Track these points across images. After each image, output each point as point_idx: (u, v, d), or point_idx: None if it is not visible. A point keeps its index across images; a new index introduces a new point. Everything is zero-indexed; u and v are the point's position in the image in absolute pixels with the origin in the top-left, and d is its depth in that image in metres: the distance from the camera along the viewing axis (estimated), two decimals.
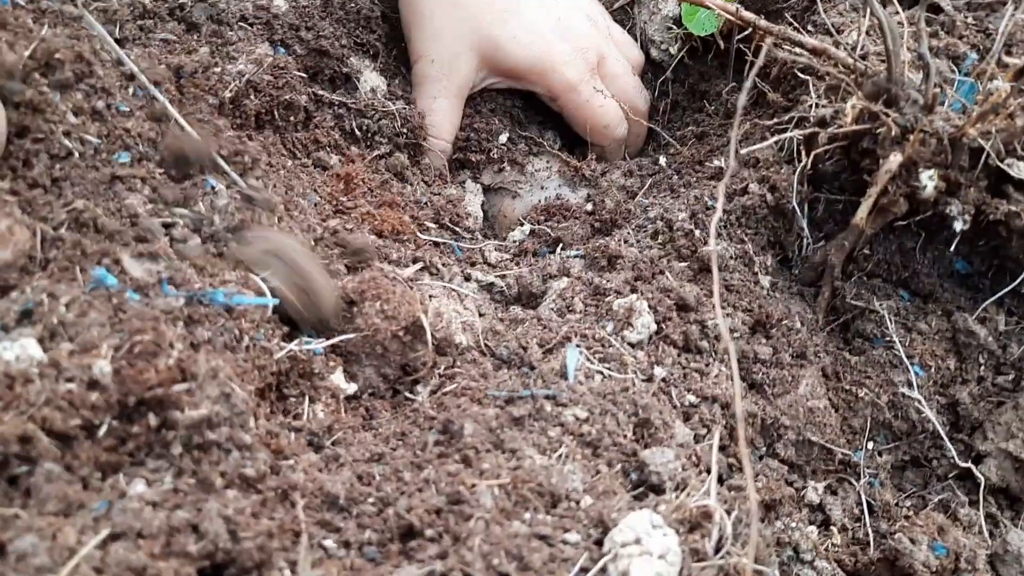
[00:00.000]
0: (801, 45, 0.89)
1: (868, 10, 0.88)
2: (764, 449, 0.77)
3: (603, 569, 0.54)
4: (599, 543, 0.56)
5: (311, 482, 0.62)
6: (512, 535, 0.55)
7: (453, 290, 0.89)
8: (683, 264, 0.85)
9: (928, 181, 0.79)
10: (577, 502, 0.60)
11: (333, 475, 0.62)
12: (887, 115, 0.79)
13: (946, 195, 0.80)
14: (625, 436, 0.67)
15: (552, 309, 0.85)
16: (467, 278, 0.94)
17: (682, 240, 0.87)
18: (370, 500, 0.61)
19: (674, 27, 1.19)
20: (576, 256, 0.93)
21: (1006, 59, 0.81)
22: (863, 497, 0.78)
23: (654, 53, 1.22)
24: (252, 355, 0.66)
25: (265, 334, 0.68)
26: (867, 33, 0.91)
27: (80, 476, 0.54)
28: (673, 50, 1.20)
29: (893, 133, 0.79)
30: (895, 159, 0.79)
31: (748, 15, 0.95)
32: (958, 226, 0.80)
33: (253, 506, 0.56)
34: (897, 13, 0.90)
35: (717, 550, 0.57)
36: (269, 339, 0.68)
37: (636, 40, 1.22)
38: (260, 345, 0.67)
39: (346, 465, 0.66)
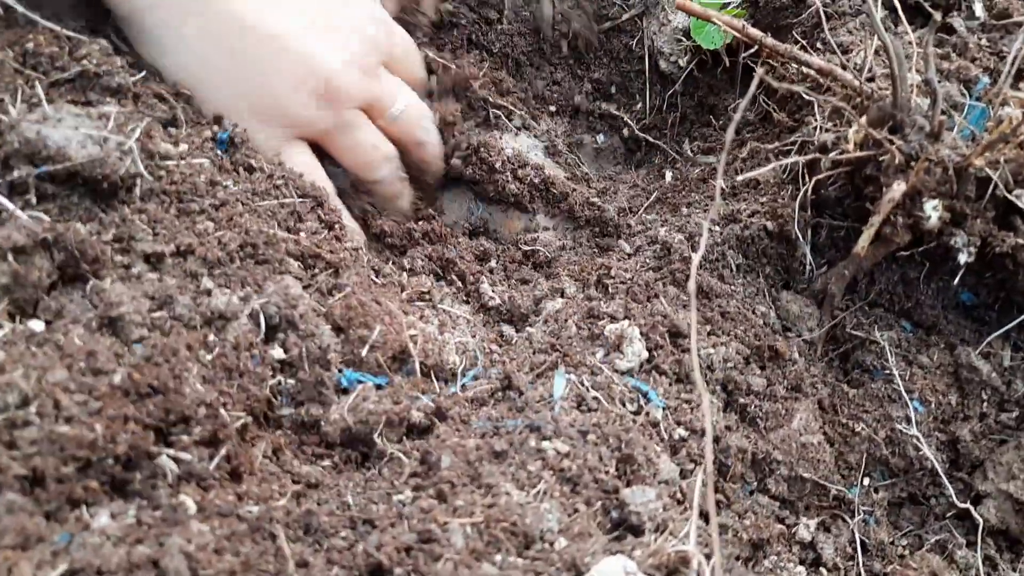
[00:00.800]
0: (808, 65, 0.87)
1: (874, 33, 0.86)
2: (755, 484, 0.75)
3: None
4: None
5: (287, 512, 0.61)
6: None
7: (446, 311, 0.88)
8: (677, 290, 0.83)
9: (932, 211, 0.76)
10: (552, 543, 0.58)
11: (307, 507, 0.61)
12: (891, 142, 0.77)
13: (951, 226, 0.77)
14: (607, 472, 0.65)
15: (544, 331, 0.84)
16: (465, 299, 0.93)
17: (678, 264, 0.85)
18: (342, 534, 0.59)
19: (683, 39, 1.17)
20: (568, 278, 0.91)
21: (1013, 93, 0.79)
22: (857, 535, 0.76)
23: (663, 65, 1.19)
24: (246, 381, 0.65)
25: (257, 357, 0.68)
26: (876, 53, 0.89)
27: (44, 509, 0.53)
28: (682, 62, 1.18)
29: (897, 161, 0.76)
30: (899, 188, 0.76)
31: (755, 32, 0.93)
32: (963, 258, 0.77)
33: (218, 541, 0.55)
34: (907, 33, 0.88)
35: None
36: (262, 362, 0.68)
37: (644, 52, 1.20)
38: (253, 371, 0.66)
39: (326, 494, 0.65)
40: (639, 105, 1.20)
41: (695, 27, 1.12)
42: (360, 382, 0.75)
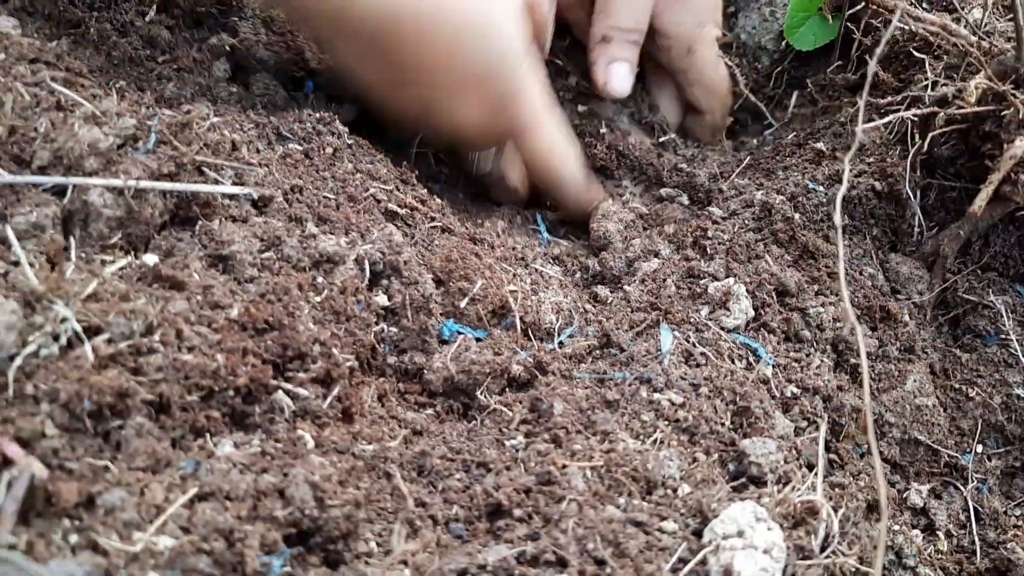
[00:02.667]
0: (921, 21, 0.84)
1: None
2: (866, 447, 0.73)
3: (703, 561, 0.51)
4: (698, 534, 0.53)
5: (400, 454, 0.60)
6: (607, 520, 0.53)
7: (538, 271, 0.86)
8: (781, 250, 0.81)
9: None
10: (674, 490, 0.57)
11: (421, 448, 0.60)
12: (1015, 96, 0.74)
13: None
14: (723, 424, 0.63)
15: (642, 290, 0.82)
16: (554, 259, 0.92)
17: (780, 224, 0.83)
18: (456, 476, 0.59)
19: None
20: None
21: None
22: (970, 503, 0.73)
23: (765, 61, 1.17)
24: (352, 326, 0.65)
25: (363, 302, 0.67)
26: (991, 10, 0.85)
27: (171, 434, 0.53)
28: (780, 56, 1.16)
29: (1021, 115, 0.74)
30: (1021, 144, 0.73)
31: None
32: None
33: (340, 474, 0.54)
34: None
35: (823, 548, 0.54)
36: (367, 308, 0.67)
37: (741, 49, 1.18)
38: (359, 315, 0.66)
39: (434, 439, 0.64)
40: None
41: (788, 29, 1.09)
42: (460, 334, 0.74)
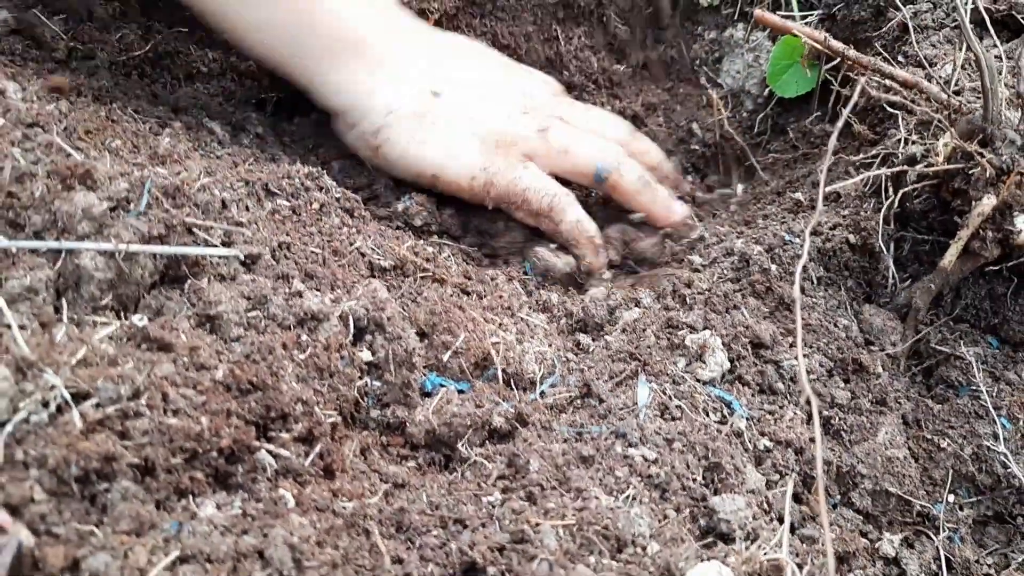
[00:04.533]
0: (892, 78, 0.86)
1: (964, 43, 0.85)
2: (839, 498, 0.75)
3: None
4: None
5: (379, 510, 0.62)
6: None
7: (524, 319, 0.88)
8: (757, 301, 0.83)
9: (1023, 225, 0.75)
10: (644, 548, 0.58)
11: (400, 504, 0.62)
12: (982, 155, 0.76)
13: None
14: (694, 480, 0.65)
15: (622, 340, 0.84)
16: (543, 308, 0.94)
17: (757, 275, 0.85)
18: (433, 532, 0.60)
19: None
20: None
21: None
22: (942, 552, 0.74)
23: (749, 105, 1.20)
24: (336, 381, 0.67)
25: (347, 358, 0.69)
26: (962, 67, 0.88)
27: (155, 496, 0.55)
28: (762, 100, 1.18)
29: (988, 174, 0.76)
30: (989, 201, 0.75)
31: (837, 44, 0.93)
32: None
33: (319, 534, 0.56)
34: (995, 46, 0.87)
35: None
36: (351, 364, 0.69)
37: (724, 89, 1.21)
38: (343, 371, 0.68)
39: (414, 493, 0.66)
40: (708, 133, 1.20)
41: (771, 76, 1.11)
42: (443, 386, 0.76)
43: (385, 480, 0.68)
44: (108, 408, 0.55)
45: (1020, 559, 0.76)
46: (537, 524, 0.59)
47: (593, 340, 0.88)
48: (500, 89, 1.04)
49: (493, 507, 0.62)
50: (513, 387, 0.79)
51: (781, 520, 0.66)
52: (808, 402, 0.76)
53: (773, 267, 0.85)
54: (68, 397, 0.54)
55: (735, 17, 1.24)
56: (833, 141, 0.60)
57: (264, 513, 0.56)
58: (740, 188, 1.15)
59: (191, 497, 0.56)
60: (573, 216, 0.99)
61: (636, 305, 0.89)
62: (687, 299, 0.86)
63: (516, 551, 0.57)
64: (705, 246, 0.98)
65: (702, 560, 0.56)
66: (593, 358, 0.83)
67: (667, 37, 1.28)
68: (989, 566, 0.76)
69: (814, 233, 0.86)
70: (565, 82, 1.18)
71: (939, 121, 0.78)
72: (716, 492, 0.65)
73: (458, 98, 0.99)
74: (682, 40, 1.27)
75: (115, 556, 0.50)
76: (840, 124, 0.60)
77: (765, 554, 0.58)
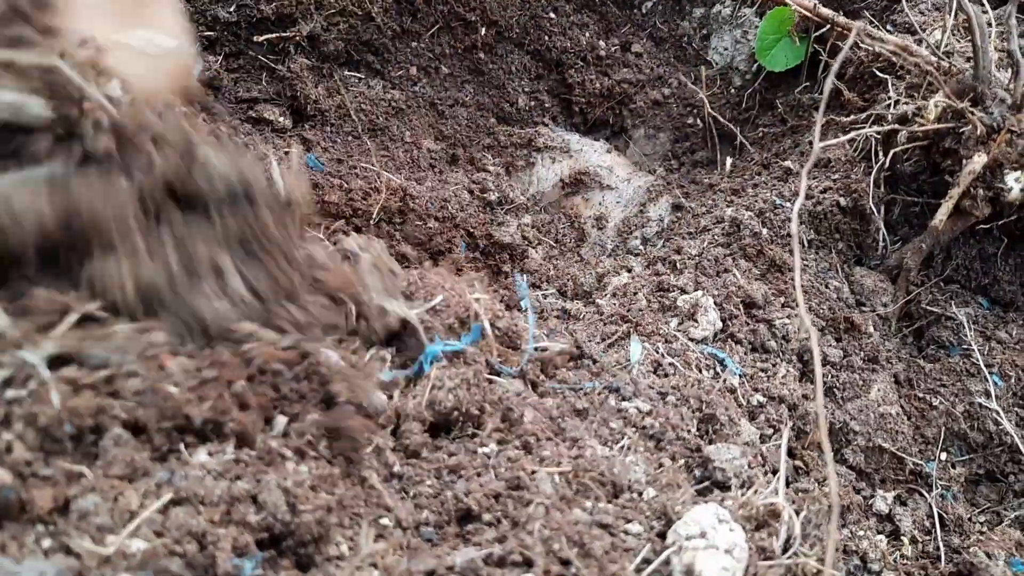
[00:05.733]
0: (882, 42, 0.86)
1: (954, 7, 0.86)
2: (832, 454, 0.75)
3: (666, 561, 0.52)
4: (662, 535, 0.54)
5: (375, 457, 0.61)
6: (573, 522, 0.54)
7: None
8: (749, 263, 0.83)
9: (1015, 183, 0.76)
10: (640, 493, 0.58)
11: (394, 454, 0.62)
12: (972, 113, 0.76)
13: None
14: (689, 431, 0.65)
15: (613, 304, 0.84)
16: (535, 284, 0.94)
17: (748, 239, 0.85)
18: (427, 482, 0.60)
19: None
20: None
21: None
22: (935, 509, 0.75)
23: (737, 81, 1.20)
24: None
25: None
26: (951, 32, 0.88)
27: (149, 443, 0.54)
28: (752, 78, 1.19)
29: (978, 132, 0.76)
30: (979, 159, 0.76)
31: (826, 11, 0.93)
32: None
33: (312, 479, 0.55)
34: (985, 11, 0.87)
35: (785, 550, 0.55)
36: None
37: (713, 67, 1.21)
38: None
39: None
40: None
41: (760, 51, 1.11)
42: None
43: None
44: None
45: (1012, 516, 0.77)
46: (533, 471, 0.58)
47: (584, 306, 0.88)
48: None
49: (489, 457, 0.62)
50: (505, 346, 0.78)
51: (775, 472, 0.66)
52: (800, 358, 0.76)
53: (764, 231, 0.85)
54: None
55: None
56: (826, 95, 0.60)
57: (258, 459, 0.55)
58: (729, 163, 1.15)
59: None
60: None
61: (626, 271, 0.89)
62: (677, 264, 0.86)
63: (512, 497, 0.57)
64: (693, 215, 0.98)
65: (699, 504, 0.56)
66: (585, 321, 0.83)
67: (655, 13, 1.28)
68: (982, 523, 0.76)
69: (805, 196, 0.86)
70: (553, 60, 1.18)
71: (932, 80, 0.78)
72: (711, 442, 0.65)
73: None
74: (669, 17, 1.27)
75: (105, 498, 0.49)
76: (831, 75, 0.60)
77: (762, 500, 0.57)
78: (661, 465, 0.61)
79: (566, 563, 0.51)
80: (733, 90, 1.21)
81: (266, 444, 0.57)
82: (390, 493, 0.59)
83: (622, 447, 0.62)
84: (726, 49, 1.23)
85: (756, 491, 0.59)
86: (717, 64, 1.23)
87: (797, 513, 0.58)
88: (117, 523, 0.48)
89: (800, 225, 0.85)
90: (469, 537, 0.55)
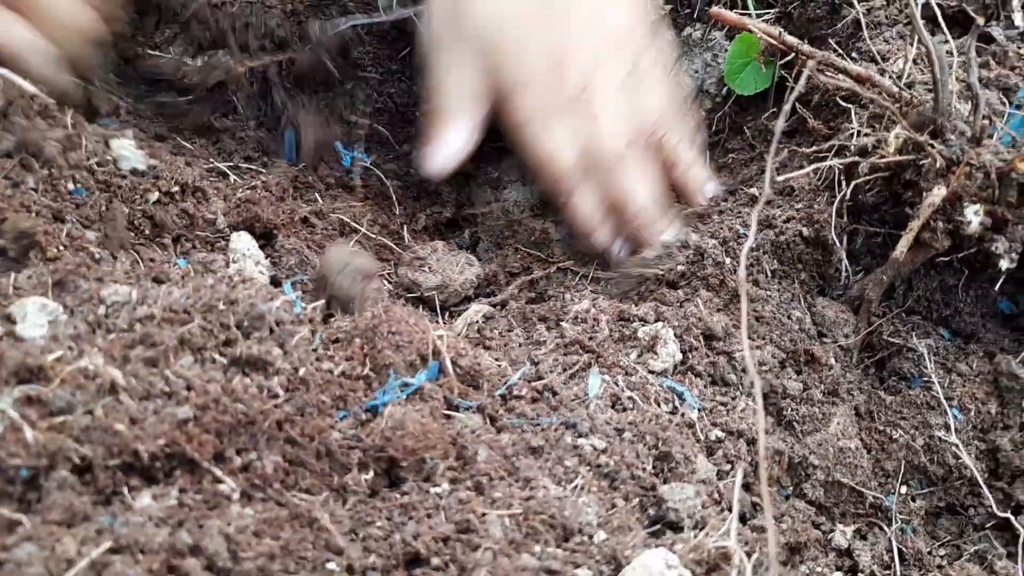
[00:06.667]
0: (845, 72, 0.86)
1: (915, 38, 0.86)
2: (791, 489, 0.74)
3: None
4: None
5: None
6: (520, 568, 0.53)
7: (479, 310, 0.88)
8: (710, 293, 0.83)
9: (973, 216, 0.76)
10: (591, 536, 0.57)
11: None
12: (932, 146, 0.76)
13: (992, 232, 0.77)
14: (644, 469, 0.64)
15: (574, 332, 0.83)
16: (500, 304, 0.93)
17: (711, 268, 0.85)
18: (377, 523, 0.59)
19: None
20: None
21: None
22: (894, 544, 0.74)
23: (708, 104, 1.20)
24: None
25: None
26: (914, 62, 0.89)
27: (93, 487, 0.53)
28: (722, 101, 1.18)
29: (938, 165, 0.76)
30: (939, 192, 0.76)
31: (791, 39, 0.93)
32: (1004, 264, 0.77)
33: (257, 524, 0.54)
34: (946, 42, 0.88)
35: None
36: None
37: (687, 92, 1.21)
38: None
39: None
40: None
41: (729, 74, 1.12)
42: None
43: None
44: None
45: (972, 550, 0.77)
46: (483, 514, 0.58)
47: (547, 330, 0.87)
48: None
49: (440, 497, 0.61)
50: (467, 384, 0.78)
51: (731, 510, 0.65)
52: (773, 381, 0.76)
53: (727, 260, 0.85)
54: None
55: (693, 16, 1.25)
56: (780, 124, 0.60)
57: (203, 503, 0.55)
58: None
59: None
60: None
61: (586, 298, 0.89)
62: (640, 293, 0.86)
63: (461, 541, 0.56)
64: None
65: (649, 548, 0.56)
66: (545, 348, 0.83)
67: None
68: (941, 557, 0.76)
69: (768, 226, 0.86)
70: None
71: (891, 113, 0.78)
72: (665, 481, 0.64)
73: None
74: None
75: (42, 547, 0.48)
76: (788, 105, 0.60)
77: (713, 542, 0.57)
78: (614, 505, 0.61)
79: None
80: (704, 112, 1.21)
81: (213, 486, 0.57)
82: (341, 535, 0.58)
83: (575, 487, 0.62)
84: (696, 72, 1.23)
85: (708, 533, 0.58)
86: (687, 87, 1.23)
87: (749, 556, 0.57)
88: (53, 573, 0.47)
89: (763, 255, 0.85)
90: None
